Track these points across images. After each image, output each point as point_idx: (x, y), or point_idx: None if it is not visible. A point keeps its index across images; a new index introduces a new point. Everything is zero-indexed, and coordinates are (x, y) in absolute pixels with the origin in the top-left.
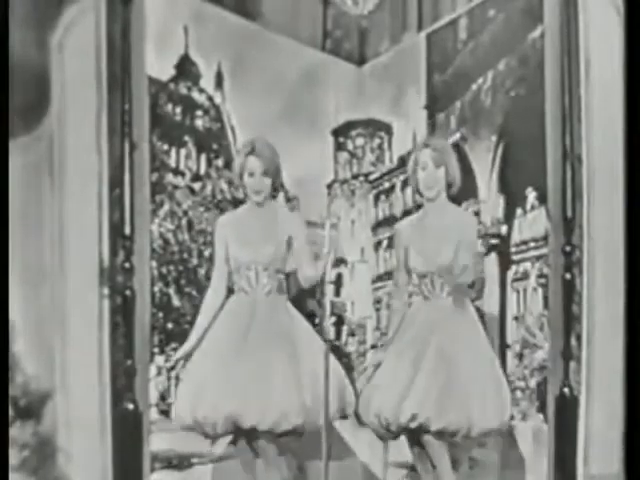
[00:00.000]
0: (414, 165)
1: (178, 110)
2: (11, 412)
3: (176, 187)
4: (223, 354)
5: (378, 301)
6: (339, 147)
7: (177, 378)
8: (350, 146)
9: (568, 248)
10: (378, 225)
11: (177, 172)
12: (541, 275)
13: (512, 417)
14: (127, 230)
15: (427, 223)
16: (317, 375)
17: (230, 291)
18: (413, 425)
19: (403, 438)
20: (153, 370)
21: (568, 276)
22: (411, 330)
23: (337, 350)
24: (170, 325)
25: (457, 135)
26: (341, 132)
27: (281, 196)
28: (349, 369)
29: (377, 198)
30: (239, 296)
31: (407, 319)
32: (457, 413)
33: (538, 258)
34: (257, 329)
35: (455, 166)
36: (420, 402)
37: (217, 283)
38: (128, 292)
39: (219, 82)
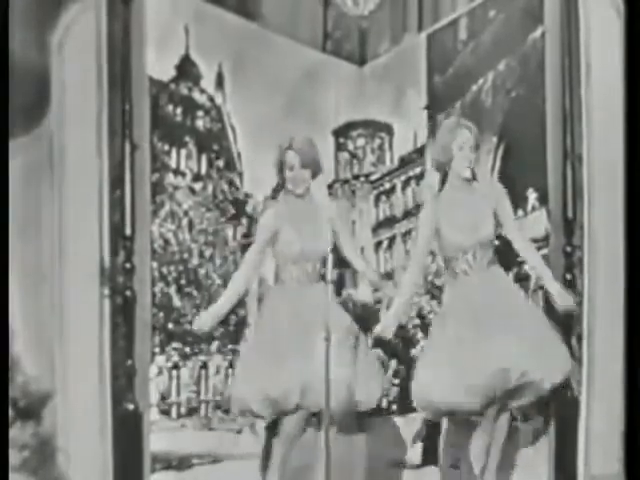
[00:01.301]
0: (449, 142)
1: (179, 111)
2: (11, 413)
3: (177, 187)
4: (280, 342)
5: (378, 302)
6: (340, 147)
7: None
8: (351, 146)
9: (569, 249)
10: (379, 226)
11: (178, 172)
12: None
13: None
14: (128, 230)
15: (458, 199)
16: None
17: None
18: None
19: None
20: (154, 370)
21: (569, 276)
22: (467, 310)
23: None
24: (171, 325)
25: None
26: (342, 132)
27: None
28: None
29: (378, 199)
30: (290, 285)
31: (456, 301)
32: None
33: None
34: (307, 317)
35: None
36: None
37: (251, 267)
38: (129, 292)
39: (220, 83)
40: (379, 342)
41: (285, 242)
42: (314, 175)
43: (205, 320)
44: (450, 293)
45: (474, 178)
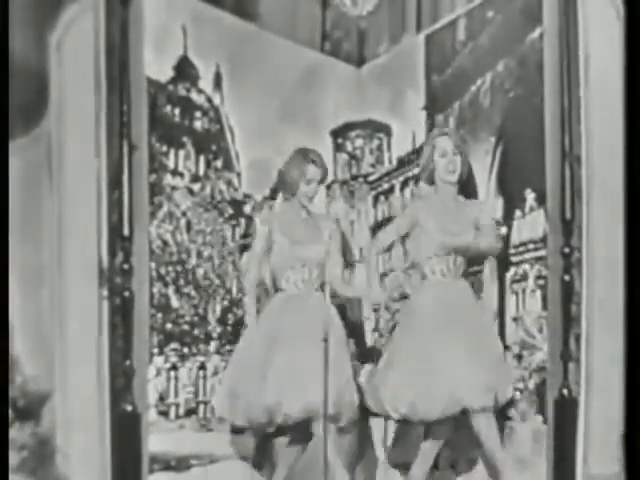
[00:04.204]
0: (431, 152)
1: (177, 111)
2: (10, 413)
3: (175, 188)
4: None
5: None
6: (338, 148)
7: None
8: (349, 147)
9: (567, 249)
10: (377, 226)
11: (176, 173)
12: (540, 276)
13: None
14: (126, 231)
15: (445, 203)
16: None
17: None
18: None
19: None
20: (152, 371)
21: (567, 277)
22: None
23: None
24: (169, 326)
25: None
26: (340, 133)
27: (280, 197)
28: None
29: (376, 199)
30: (290, 292)
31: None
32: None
33: (537, 259)
34: (308, 323)
35: (468, 155)
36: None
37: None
38: (127, 293)
39: (218, 83)
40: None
41: (284, 250)
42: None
43: None
44: (420, 295)
45: (464, 193)
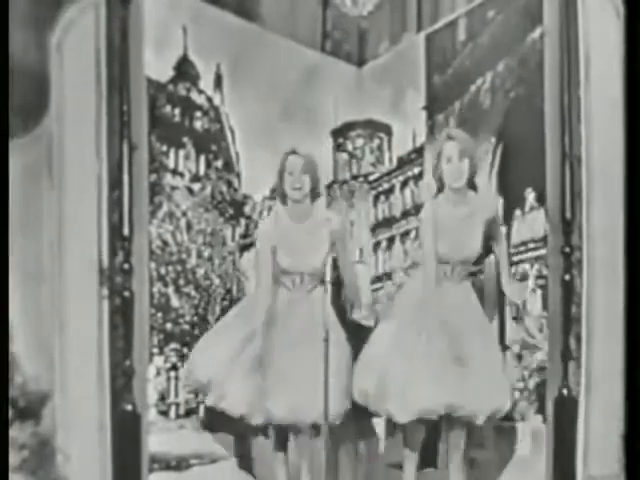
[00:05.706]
0: (438, 157)
1: (177, 111)
2: (10, 413)
3: (175, 188)
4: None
5: (377, 302)
6: (338, 148)
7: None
8: (349, 147)
9: (567, 249)
10: (377, 226)
11: (176, 173)
12: (540, 276)
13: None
14: (126, 231)
15: (451, 213)
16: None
17: None
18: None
19: None
20: (152, 370)
21: (567, 277)
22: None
23: None
24: (169, 325)
25: None
26: (340, 133)
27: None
28: None
29: (376, 199)
30: (281, 291)
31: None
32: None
33: (537, 259)
34: (298, 322)
35: (476, 157)
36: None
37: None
38: (127, 293)
39: (218, 83)
40: None
41: (279, 261)
42: (313, 187)
43: None
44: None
45: (473, 187)
